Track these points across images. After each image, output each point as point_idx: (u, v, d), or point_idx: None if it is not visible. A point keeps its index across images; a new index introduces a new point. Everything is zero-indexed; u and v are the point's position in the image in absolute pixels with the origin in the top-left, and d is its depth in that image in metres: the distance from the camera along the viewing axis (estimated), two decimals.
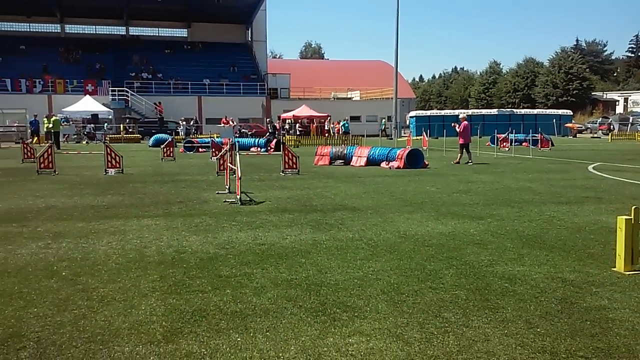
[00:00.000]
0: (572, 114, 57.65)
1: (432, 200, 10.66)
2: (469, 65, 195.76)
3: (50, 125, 31.06)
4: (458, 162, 19.43)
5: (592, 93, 77.16)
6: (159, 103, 48.46)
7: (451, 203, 10.33)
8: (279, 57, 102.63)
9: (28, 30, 57.49)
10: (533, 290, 5.10)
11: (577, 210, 9.49)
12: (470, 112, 57.81)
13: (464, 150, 19.51)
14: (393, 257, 6.33)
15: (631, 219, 5.61)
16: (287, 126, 45.34)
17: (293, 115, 45.09)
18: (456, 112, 55.33)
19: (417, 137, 37.69)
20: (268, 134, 32.03)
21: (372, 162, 18.79)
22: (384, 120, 49.98)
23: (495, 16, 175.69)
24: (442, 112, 57.05)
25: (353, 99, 61.41)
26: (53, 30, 58.22)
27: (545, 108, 66.38)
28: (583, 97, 73.90)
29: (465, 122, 19.75)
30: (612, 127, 49.19)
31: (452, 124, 19.80)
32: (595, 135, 49.41)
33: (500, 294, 4.99)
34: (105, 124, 42.35)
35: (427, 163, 18.36)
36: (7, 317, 4.42)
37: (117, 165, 16.36)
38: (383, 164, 18.36)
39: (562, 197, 11.13)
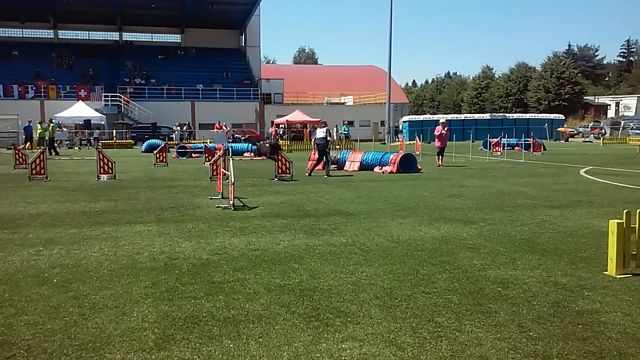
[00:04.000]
0: (564, 118, 57.93)
1: (425, 205, 10.67)
2: (461, 70, 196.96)
3: (41, 131, 31.08)
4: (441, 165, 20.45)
5: (584, 97, 77.54)
6: (127, 94, 48.30)
7: (444, 207, 10.34)
8: (272, 63, 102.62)
9: (21, 35, 57.31)
10: (525, 294, 5.10)
11: (569, 214, 9.53)
12: (462, 116, 58.10)
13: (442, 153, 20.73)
14: (386, 261, 6.33)
15: (622, 222, 5.63)
16: (280, 131, 45.34)
17: (286, 120, 45.09)
18: (448, 116, 55.51)
19: (410, 142, 37.76)
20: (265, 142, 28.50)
21: (365, 167, 18.80)
22: (344, 126, 43.99)
23: (488, 21, 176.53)
24: (435, 117, 57.19)
25: (346, 104, 61.45)
26: (46, 36, 58.07)
27: (538, 112, 66.69)
28: (575, 102, 74.27)
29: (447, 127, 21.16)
30: (603, 131, 49.54)
31: (438, 129, 20.52)
32: (587, 140, 49.69)
33: (493, 298, 5.00)
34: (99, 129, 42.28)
35: (420, 168, 18.39)
36: None
37: (110, 171, 16.30)
38: (376, 169, 18.38)
39: (555, 201, 11.17)
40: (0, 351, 3.88)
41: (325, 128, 17.88)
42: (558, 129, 51.76)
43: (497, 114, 59.30)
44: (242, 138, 41.44)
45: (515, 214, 9.52)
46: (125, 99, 47.95)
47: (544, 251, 6.79)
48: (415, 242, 7.35)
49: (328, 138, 17.96)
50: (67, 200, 11.64)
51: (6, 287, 5.40)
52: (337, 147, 31.02)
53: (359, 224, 8.67)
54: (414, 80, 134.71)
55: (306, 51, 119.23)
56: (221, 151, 14.92)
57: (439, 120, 24.03)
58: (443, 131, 20.55)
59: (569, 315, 4.55)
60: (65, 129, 42.03)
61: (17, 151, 21.19)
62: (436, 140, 20.91)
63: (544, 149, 29.90)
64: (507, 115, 58.49)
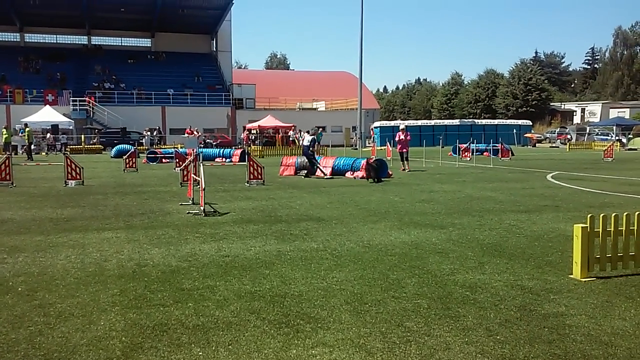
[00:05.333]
0: (531, 124, 58.99)
1: (396, 210, 10.75)
2: (431, 76, 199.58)
3: (7, 136, 30.54)
4: (405, 169, 20.89)
5: (551, 104, 79.12)
6: (92, 96, 47.74)
7: (414, 212, 10.44)
8: (244, 68, 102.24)
9: None
10: (493, 298, 5.18)
11: (536, 218, 9.71)
12: (432, 122, 58.76)
13: (406, 157, 21.18)
14: (357, 267, 6.36)
15: (587, 226, 5.76)
16: (252, 136, 45.22)
17: (259, 126, 44.98)
18: (419, 122, 56.25)
19: (382, 147, 38.00)
20: None
21: (336, 172, 18.85)
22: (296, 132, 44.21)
23: (457, 28, 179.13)
24: (406, 123, 57.67)
25: (318, 110, 61.61)
26: (12, 39, 56.87)
27: (506, 118, 67.69)
28: (542, 108, 75.71)
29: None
30: (569, 136, 50.60)
31: (398, 134, 21.24)
32: (554, 145, 50.63)
33: (461, 303, 5.06)
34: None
35: (390, 173, 18.52)
36: None
37: (78, 177, 16.02)
38: (348, 174, 18.45)
39: (522, 205, 11.37)
40: None
41: (309, 136, 18.70)
42: (525, 135, 52.66)
43: (466, 120, 60.05)
44: (214, 143, 41.17)
45: (483, 219, 9.66)
46: (90, 100, 47.12)
47: (512, 255, 6.91)
48: (385, 247, 7.40)
49: (306, 143, 18.60)
50: (34, 207, 11.40)
51: None
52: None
53: (330, 230, 8.69)
54: (385, 86, 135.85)
55: (278, 56, 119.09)
56: (192, 156, 14.79)
57: (399, 126, 24.75)
58: (402, 136, 21.21)
59: (535, 319, 4.64)
60: (51, 134, 41.18)
61: None
62: (397, 145, 21.55)
63: (512, 154, 30.35)
64: (476, 121, 59.28)
